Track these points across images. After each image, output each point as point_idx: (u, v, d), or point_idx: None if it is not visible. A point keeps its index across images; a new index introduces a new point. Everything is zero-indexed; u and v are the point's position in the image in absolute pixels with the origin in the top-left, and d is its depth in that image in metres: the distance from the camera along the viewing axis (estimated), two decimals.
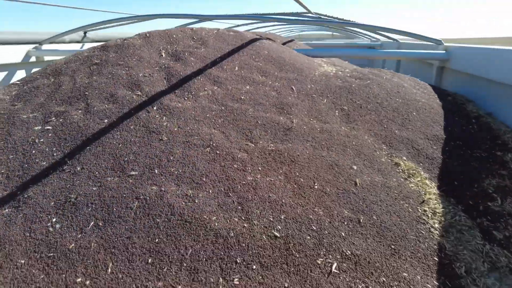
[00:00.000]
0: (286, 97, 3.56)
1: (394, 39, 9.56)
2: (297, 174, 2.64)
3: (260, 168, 2.65)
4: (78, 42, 8.68)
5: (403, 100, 3.87)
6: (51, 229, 2.13)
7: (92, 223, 2.15)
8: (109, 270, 1.90)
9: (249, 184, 2.48)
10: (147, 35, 4.42)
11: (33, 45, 7.94)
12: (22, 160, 2.63)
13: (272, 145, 2.89)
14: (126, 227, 2.12)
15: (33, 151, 2.69)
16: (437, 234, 2.42)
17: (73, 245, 2.03)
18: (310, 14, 7.84)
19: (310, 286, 1.93)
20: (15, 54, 7.25)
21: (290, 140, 2.98)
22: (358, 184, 2.67)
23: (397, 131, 3.40)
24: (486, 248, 2.42)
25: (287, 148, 2.87)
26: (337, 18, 7.56)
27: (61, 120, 2.97)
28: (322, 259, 2.08)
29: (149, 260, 1.95)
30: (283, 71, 4.08)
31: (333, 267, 2.04)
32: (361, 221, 2.38)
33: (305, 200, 2.45)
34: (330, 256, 2.10)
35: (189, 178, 2.48)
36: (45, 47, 7.82)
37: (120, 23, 7.50)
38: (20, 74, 6.82)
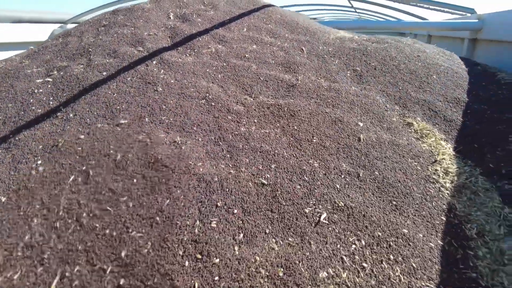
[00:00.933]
0: (294, 57, 3.36)
1: (424, 18, 8.98)
2: (295, 128, 2.47)
3: (256, 121, 2.50)
4: None
5: (423, 64, 3.55)
6: (33, 172, 2.09)
7: (73, 176, 2.09)
8: (83, 222, 1.84)
9: (241, 135, 2.34)
10: None
11: (59, 24, 8.15)
12: (19, 108, 2.63)
13: (272, 100, 2.72)
14: (107, 177, 2.05)
15: (31, 100, 2.68)
16: (448, 194, 2.18)
17: (53, 192, 1.98)
18: None
19: (294, 234, 1.77)
20: (41, 32, 7.47)
21: (292, 96, 2.80)
22: (362, 140, 2.46)
23: (413, 93, 3.12)
24: (504, 211, 2.14)
25: (287, 103, 2.69)
26: None
27: (62, 73, 2.95)
28: (310, 209, 1.91)
29: (128, 213, 1.87)
30: (294, 33, 3.87)
31: (322, 217, 1.87)
32: (360, 175, 2.18)
33: (300, 152, 2.27)
34: (320, 206, 1.93)
35: (179, 126, 2.37)
36: (69, 26, 8.02)
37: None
38: None
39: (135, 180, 1.98)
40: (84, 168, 2.06)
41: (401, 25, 6.45)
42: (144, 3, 4.26)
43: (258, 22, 3.95)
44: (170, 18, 3.90)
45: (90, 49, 3.29)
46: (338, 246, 1.75)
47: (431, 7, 6.86)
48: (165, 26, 3.70)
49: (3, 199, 1.93)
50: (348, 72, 3.33)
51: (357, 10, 13.63)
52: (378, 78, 3.29)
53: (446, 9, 6.06)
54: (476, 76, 3.58)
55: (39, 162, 2.14)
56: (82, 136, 2.31)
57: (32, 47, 3.89)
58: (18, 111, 2.60)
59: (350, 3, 11.63)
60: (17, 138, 2.34)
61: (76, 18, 7.99)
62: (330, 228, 1.82)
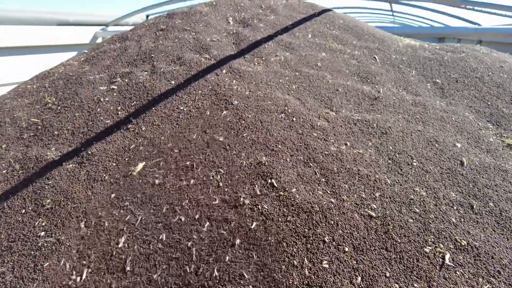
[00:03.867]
0: (369, 66, 3.10)
1: (474, 23, 8.52)
2: (391, 148, 2.22)
3: (345, 138, 2.26)
4: None
5: (509, 76, 3.23)
6: (113, 195, 1.93)
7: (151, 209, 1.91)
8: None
9: (332, 155, 2.11)
10: (214, 3, 4.17)
11: (100, 27, 8.18)
12: (87, 117, 2.48)
13: (357, 115, 2.48)
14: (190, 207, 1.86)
15: (98, 109, 2.53)
16: None
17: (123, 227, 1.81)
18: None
19: (418, 278, 1.52)
20: (84, 35, 7.51)
21: (377, 111, 2.55)
22: (465, 164, 2.18)
23: (505, 109, 2.81)
24: None
25: (375, 118, 2.44)
26: None
27: (126, 80, 2.80)
28: (430, 248, 1.65)
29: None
30: (362, 40, 3.61)
31: (446, 258, 1.61)
32: (474, 207, 1.91)
33: (402, 177, 2.02)
34: (441, 245, 1.67)
35: (262, 144, 2.16)
36: (110, 28, 8.05)
37: (180, 3, 7.40)
38: None
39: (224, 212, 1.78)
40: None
41: (467, 32, 6.08)
42: (199, 6, 4.10)
43: (321, 28, 3.72)
44: (229, 22, 3.72)
45: (152, 55, 3.14)
46: None
47: (484, 9, 6.45)
48: (226, 31, 3.51)
49: (82, 225, 1.77)
50: (428, 84, 3.05)
51: (394, 14, 13.20)
52: (462, 92, 2.99)
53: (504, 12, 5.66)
54: None
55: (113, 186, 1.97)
56: (156, 154, 2.13)
57: (85, 50, 3.79)
58: (86, 121, 2.45)
59: (390, 6, 11.24)
60: (89, 153, 2.18)
61: (118, 21, 7.99)
62: (458, 273, 1.56)
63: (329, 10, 4.24)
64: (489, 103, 2.88)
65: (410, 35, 6.42)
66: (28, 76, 3.48)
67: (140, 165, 2.03)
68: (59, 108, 2.62)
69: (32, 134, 2.42)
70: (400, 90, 2.85)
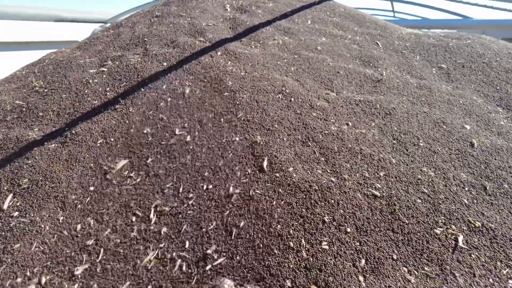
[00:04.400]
0: (371, 51, 2.97)
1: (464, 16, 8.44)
2: (395, 128, 2.07)
3: (346, 118, 2.11)
4: None
5: None
6: (91, 170, 1.78)
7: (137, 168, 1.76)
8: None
9: (333, 134, 1.96)
10: None
11: (99, 24, 8.11)
12: (74, 98, 2.34)
13: (359, 96, 2.34)
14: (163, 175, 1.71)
15: (86, 91, 2.40)
16: None
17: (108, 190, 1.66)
18: None
19: (429, 262, 1.37)
20: (83, 31, 7.44)
21: (381, 92, 2.41)
22: (475, 145, 2.03)
23: None
24: None
25: (378, 99, 2.30)
26: None
27: (117, 63, 2.67)
28: (441, 229, 1.50)
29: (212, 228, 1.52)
30: (363, 27, 3.48)
31: (460, 240, 1.46)
32: (487, 188, 1.75)
33: (408, 157, 1.87)
34: (453, 227, 1.52)
35: (258, 124, 2.02)
36: (109, 25, 7.99)
37: None
38: None
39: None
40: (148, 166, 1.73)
41: (477, 24, 5.99)
42: None
43: (321, 15, 3.59)
44: (226, 9, 3.60)
45: (145, 39, 3.01)
46: (491, 280, 1.33)
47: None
48: (223, 17, 3.39)
49: (58, 207, 1.62)
50: (434, 69, 2.91)
51: (395, 14, 13.10)
52: (469, 77, 2.85)
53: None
54: None
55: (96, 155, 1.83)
56: (148, 133, 1.99)
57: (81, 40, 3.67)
58: (73, 102, 2.32)
59: (392, 6, 11.16)
60: (73, 132, 2.04)
61: (116, 18, 7.92)
62: (473, 256, 1.41)
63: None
64: (498, 87, 2.73)
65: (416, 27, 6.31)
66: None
67: (124, 156, 1.89)
68: (46, 90, 2.48)
69: (15, 116, 2.28)
70: (404, 74, 2.71)
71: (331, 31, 3.24)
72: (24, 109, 2.33)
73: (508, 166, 1.91)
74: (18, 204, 1.63)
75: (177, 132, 1.96)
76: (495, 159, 1.96)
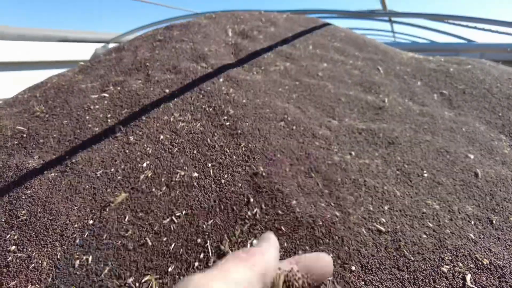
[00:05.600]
0: (372, 77, 2.98)
1: (471, 41, 8.54)
2: (399, 158, 2.05)
3: (349, 148, 2.10)
4: None
5: None
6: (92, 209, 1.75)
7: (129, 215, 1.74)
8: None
9: (336, 165, 1.94)
10: (213, 16, 4.12)
11: (102, 44, 8.22)
12: (75, 125, 2.34)
13: (362, 124, 2.33)
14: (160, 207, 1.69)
15: (87, 117, 2.39)
16: None
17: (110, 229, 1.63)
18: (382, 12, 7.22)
19: None
20: (84, 51, 7.53)
21: (383, 120, 2.40)
22: (479, 176, 2.01)
23: None
24: None
25: (381, 128, 2.29)
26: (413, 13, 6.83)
27: (118, 88, 2.68)
28: (448, 267, 1.46)
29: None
30: (364, 52, 3.51)
31: (467, 279, 1.42)
32: (493, 222, 1.72)
33: (413, 189, 1.85)
34: (460, 264, 1.48)
35: (260, 153, 2.00)
36: (111, 45, 8.10)
37: (179, 20, 7.48)
38: None
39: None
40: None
41: (474, 47, 6.05)
42: (198, 18, 4.04)
43: (322, 40, 3.63)
44: (228, 34, 3.64)
45: (147, 64, 3.03)
46: None
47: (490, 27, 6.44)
48: (225, 42, 3.42)
49: (56, 241, 1.59)
50: (435, 95, 2.92)
51: (395, 34, 13.32)
52: (470, 103, 2.85)
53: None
54: None
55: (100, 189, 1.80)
56: (145, 165, 1.97)
57: (81, 63, 3.70)
58: (73, 129, 2.31)
59: (391, 27, 11.34)
60: (73, 161, 2.02)
61: (118, 38, 8.03)
62: None
63: (330, 24, 4.18)
64: (500, 114, 2.73)
65: (418, 50, 6.38)
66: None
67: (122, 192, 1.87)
68: (47, 116, 2.48)
69: (16, 142, 2.27)
70: (406, 100, 2.72)
71: (332, 57, 3.26)
72: (24, 135, 2.33)
73: None
74: (16, 237, 1.59)
75: (179, 172, 1.94)
76: (500, 190, 1.93)
